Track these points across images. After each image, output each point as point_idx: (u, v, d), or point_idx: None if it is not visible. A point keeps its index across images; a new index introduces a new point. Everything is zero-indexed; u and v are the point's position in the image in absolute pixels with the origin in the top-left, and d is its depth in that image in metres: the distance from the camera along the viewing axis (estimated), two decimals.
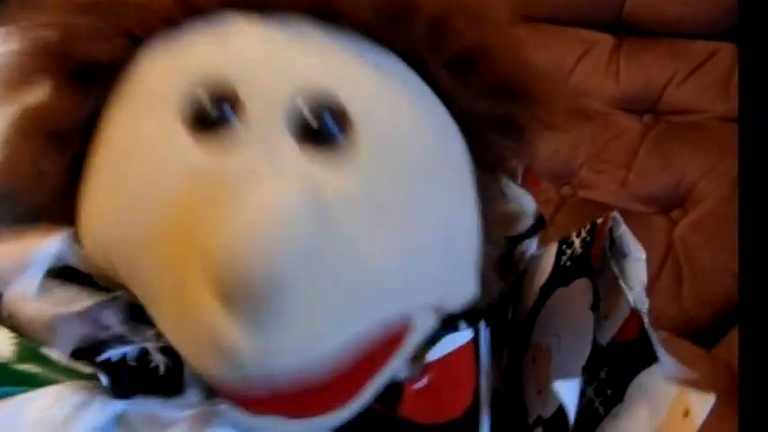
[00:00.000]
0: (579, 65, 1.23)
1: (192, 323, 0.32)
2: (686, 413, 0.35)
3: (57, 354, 0.36)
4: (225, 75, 0.35)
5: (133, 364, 0.34)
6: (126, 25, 0.37)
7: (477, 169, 0.40)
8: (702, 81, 1.12)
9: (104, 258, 0.35)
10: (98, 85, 0.37)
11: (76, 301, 0.33)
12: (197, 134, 0.34)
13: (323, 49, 0.36)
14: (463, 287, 0.39)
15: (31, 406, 0.34)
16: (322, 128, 0.34)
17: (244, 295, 0.29)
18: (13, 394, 0.34)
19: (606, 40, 1.22)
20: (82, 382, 0.35)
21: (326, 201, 0.32)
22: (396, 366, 0.38)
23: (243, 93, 0.34)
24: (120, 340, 0.34)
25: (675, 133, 1.12)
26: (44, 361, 0.36)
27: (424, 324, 0.38)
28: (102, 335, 0.33)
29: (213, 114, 0.34)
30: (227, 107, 0.34)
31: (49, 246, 0.36)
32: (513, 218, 0.47)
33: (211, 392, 0.35)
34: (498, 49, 0.38)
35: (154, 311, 0.34)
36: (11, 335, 0.36)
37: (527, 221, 0.48)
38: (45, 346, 0.36)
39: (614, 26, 1.22)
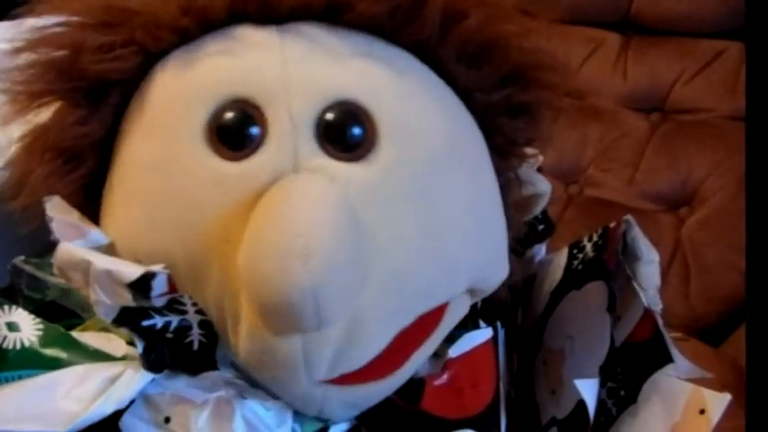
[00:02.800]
0: (587, 63, 1.22)
1: (249, 337, 0.33)
2: (702, 411, 0.35)
3: (85, 337, 0.37)
4: (247, 92, 0.35)
5: (171, 336, 0.35)
6: (138, 41, 0.36)
7: (492, 155, 0.41)
8: (709, 80, 1.12)
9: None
10: (111, 101, 0.38)
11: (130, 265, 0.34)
12: (226, 152, 0.35)
13: (340, 56, 0.36)
14: (496, 269, 0.40)
15: (59, 383, 0.34)
16: (345, 135, 0.35)
17: (287, 321, 0.30)
18: (39, 375, 0.35)
19: (613, 38, 1.22)
20: (109, 363, 0.35)
21: (353, 197, 0.33)
22: (433, 347, 0.39)
23: (267, 111, 0.35)
24: (166, 308, 0.34)
25: (683, 131, 1.12)
26: (70, 345, 0.36)
27: (460, 305, 0.40)
28: (151, 302, 0.33)
29: (240, 133, 0.35)
30: (252, 124, 0.35)
31: (102, 234, 0.37)
32: (530, 201, 0.48)
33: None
34: (509, 40, 0.38)
35: (216, 325, 0.35)
36: (36, 320, 0.37)
37: (543, 203, 0.49)
38: (87, 306, 0.37)
39: (622, 25, 1.22)
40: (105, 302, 0.33)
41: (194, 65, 0.36)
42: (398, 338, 0.36)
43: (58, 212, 0.37)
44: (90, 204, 0.39)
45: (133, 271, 0.33)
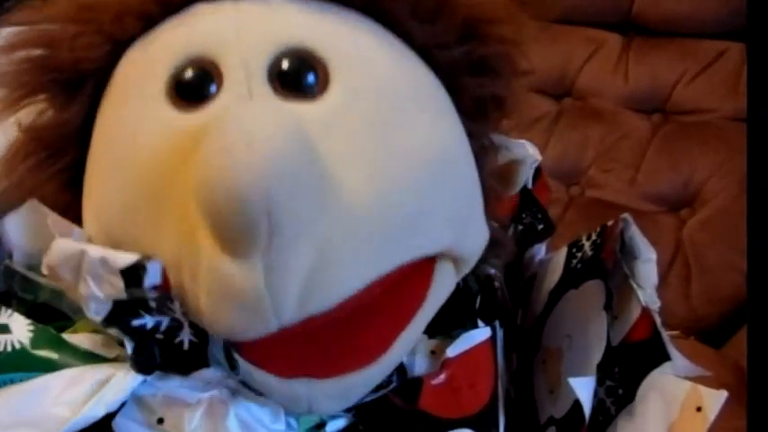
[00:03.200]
0: (588, 64, 1.22)
1: (207, 277, 0.31)
2: (699, 409, 0.35)
3: (76, 338, 0.37)
4: (203, 50, 0.36)
5: (161, 336, 0.34)
6: (106, 29, 0.38)
7: (462, 118, 0.40)
8: (711, 80, 1.12)
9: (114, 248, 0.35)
10: (86, 90, 0.38)
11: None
12: (183, 107, 0.35)
13: (292, 10, 0.37)
14: (472, 229, 0.39)
15: (49, 388, 0.34)
16: (299, 81, 0.35)
17: (240, 226, 0.29)
18: (30, 380, 0.35)
19: (615, 39, 1.22)
20: (100, 365, 0.35)
21: (308, 130, 0.32)
22: (421, 326, 0.38)
23: (222, 63, 0.35)
24: (157, 307, 0.34)
25: (684, 132, 1.12)
26: (62, 346, 0.36)
27: (445, 277, 0.38)
28: (144, 294, 0.33)
29: (194, 86, 0.35)
30: (209, 79, 0.35)
31: (79, 231, 0.37)
32: (509, 170, 0.47)
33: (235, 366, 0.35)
34: None
35: (174, 284, 0.33)
36: (27, 321, 0.37)
37: (525, 172, 0.48)
38: (78, 308, 0.36)
39: (623, 26, 1.22)
40: (97, 296, 0.33)
41: (153, 39, 0.38)
42: (384, 314, 0.35)
43: (41, 212, 0.38)
44: (76, 201, 0.39)
45: (127, 257, 0.33)
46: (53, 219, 0.37)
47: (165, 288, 0.33)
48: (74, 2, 0.39)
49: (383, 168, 0.34)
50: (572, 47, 1.22)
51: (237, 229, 0.29)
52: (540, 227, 0.52)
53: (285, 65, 0.35)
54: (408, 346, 0.38)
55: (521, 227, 0.52)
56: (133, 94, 0.37)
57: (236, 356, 0.35)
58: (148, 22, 0.38)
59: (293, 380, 0.35)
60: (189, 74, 0.36)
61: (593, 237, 0.45)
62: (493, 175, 0.44)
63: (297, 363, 0.35)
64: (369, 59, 0.37)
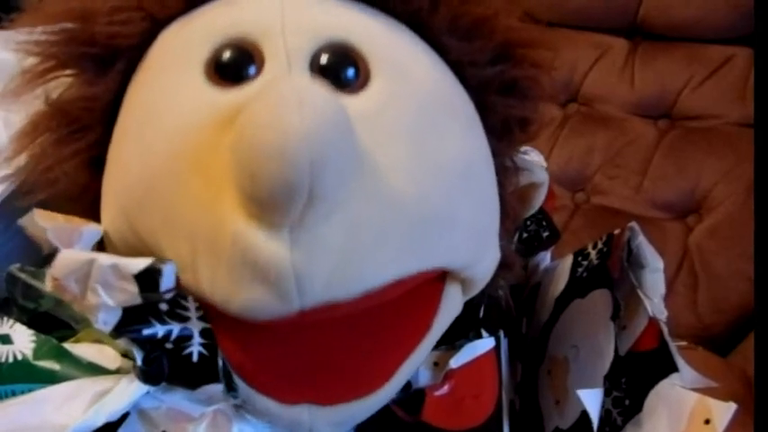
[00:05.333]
0: (593, 69, 1.22)
1: (229, 248, 0.30)
2: (707, 421, 0.35)
3: (79, 349, 0.37)
4: (246, 33, 0.36)
5: (170, 347, 0.34)
6: (146, 6, 0.37)
7: (488, 135, 0.40)
8: (718, 86, 1.11)
9: (130, 228, 0.35)
10: (118, 67, 0.38)
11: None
12: (221, 85, 0.35)
13: (337, 7, 0.37)
14: (486, 250, 0.39)
15: (49, 399, 0.34)
16: (339, 75, 0.35)
17: (278, 188, 0.28)
18: (32, 391, 0.34)
19: (621, 44, 1.22)
20: (101, 377, 0.35)
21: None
22: (425, 353, 0.37)
23: (264, 47, 0.35)
24: (168, 311, 0.33)
25: (691, 138, 1.11)
26: (64, 357, 0.36)
27: (452, 303, 0.38)
28: (159, 297, 0.32)
29: (235, 67, 0.35)
30: (247, 60, 0.35)
31: (94, 226, 0.37)
32: (528, 191, 0.47)
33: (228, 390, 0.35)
34: (497, 16, 0.39)
35: (189, 259, 0.33)
36: (30, 332, 0.36)
37: (543, 194, 0.48)
38: (80, 317, 0.36)
39: (629, 30, 1.21)
40: (107, 305, 0.32)
41: (194, 18, 0.37)
42: (386, 345, 0.35)
43: (46, 221, 0.37)
44: (96, 181, 0.38)
45: (140, 262, 0.32)
46: (54, 228, 0.36)
47: (178, 288, 0.33)
48: None
49: (418, 168, 0.34)
50: (578, 52, 1.22)
51: (275, 190, 0.28)
52: (545, 234, 0.52)
53: (327, 56, 0.35)
54: (410, 372, 0.37)
55: (525, 234, 0.52)
56: (168, 71, 0.36)
57: (237, 381, 0.34)
58: (190, 2, 0.38)
59: (296, 406, 0.35)
60: (229, 53, 0.35)
61: (599, 245, 0.45)
62: (513, 196, 0.44)
63: (299, 388, 0.35)
64: (408, 64, 0.37)
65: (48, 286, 0.35)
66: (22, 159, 0.39)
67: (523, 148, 0.48)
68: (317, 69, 0.35)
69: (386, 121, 0.34)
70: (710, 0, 1.10)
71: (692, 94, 1.14)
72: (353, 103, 0.34)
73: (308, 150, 0.27)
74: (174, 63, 0.36)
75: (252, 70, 0.35)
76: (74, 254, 0.34)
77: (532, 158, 0.48)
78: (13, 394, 0.35)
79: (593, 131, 1.18)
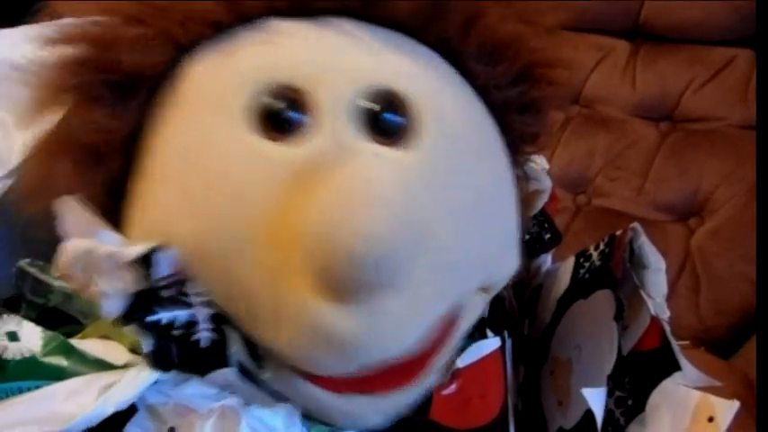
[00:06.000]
0: (595, 71, 1.22)
1: (297, 320, 0.32)
2: (710, 419, 0.35)
3: (86, 344, 0.37)
4: (290, 78, 0.35)
5: (178, 333, 0.34)
6: (172, 33, 0.36)
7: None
8: (720, 88, 1.11)
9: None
10: (140, 97, 0.37)
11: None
12: (271, 137, 0.34)
13: (375, 46, 0.37)
14: (509, 259, 0.40)
15: (56, 394, 0.34)
16: (386, 119, 0.35)
17: (355, 282, 0.30)
18: (39, 388, 0.34)
19: (623, 46, 1.22)
20: (108, 372, 0.35)
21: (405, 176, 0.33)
22: (456, 345, 0.39)
23: (307, 95, 0.35)
24: (172, 300, 0.33)
25: (692, 140, 1.11)
26: (71, 353, 0.36)
27: (475, 303, 0.39)
28: (158, 283, 0.33)
29: (285, 116, 0.34)
30: (296, 109, 0.35)
31: (111, 233, 0.36)
32: (533, 197, 0.48)
33: (258, 366, 0.36)
34: (521, 38, 0.39)
35: (245, 314, 0.34)
36: (37, 328, 0.36)
37: (545, 198, 0.49)
38: (88, 312, 0.36)
39: (631, 32, 1.21)
40: (108, 293, 0.33)
41: (230, 53, 0.36)
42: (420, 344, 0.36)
43: (71, 212, 0.36)
44: (112, 209, 0.38)
45: (135, 249, 0.32)
46: (69, 220, 0.35)
47: (178, 275, 0.33)
48: (137, 0, 0.37)
49: (462, 217, 0.35)
50: (579, 53, 1.21)
51: (351, 283, 0.30)
52: (547, 236, 0.52)
53: (373, 104, 0.35)
54: (440, 366, 0.38)
55: (527, 236, 0.52)
56: (206, 110, 0.35)
57: (297, 379, 0.35)
58: (218, 29, 0.37)
59: (344, 395, 0.36)
60: (274, 101, 0.34)
61: (602, 246, 0.45)
62: (522, 202, 0.44)
63: (344, 381, 0.35)
64: (448, 107, 0.37)
65: (57, 274, 0.35)
66: (34, 186, 0.38)
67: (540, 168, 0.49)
68: (363, 117, 0.35)
69: (438, 175, 0.35)
70: (712, 2, 1.10)
71: (693, 95, 1.14)
72: (403, 159, 0.34)
73: (383, 247, 0.29)
74: (210, 104, 0.35)
75: (297, 118, 0.34)
76: (76, 242, 0.34)
77: (535, 161, 0.49)
78: (20, 391, 0.34)
79: (594, 133, 1.18)
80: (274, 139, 0.34)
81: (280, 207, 0.32)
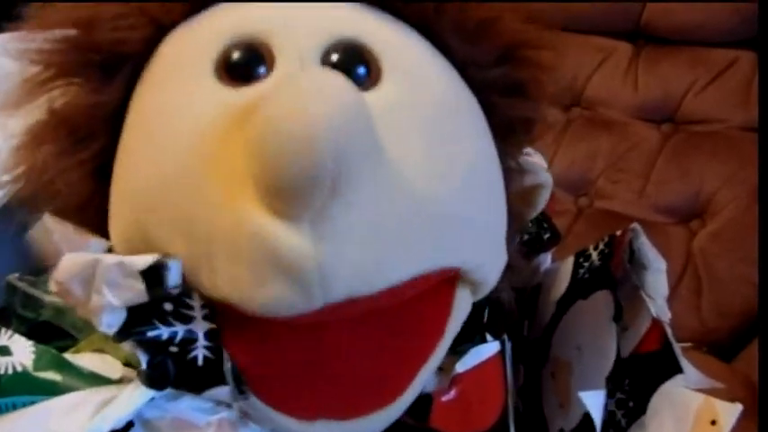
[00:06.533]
0: (597, 73, 1.22)
1: (250, 245, 0.30)
2: (713, 422, 0.35)
3: (80, 359, 0.36)
4: (254, 33, 0.35)
5: (175, 350, 0.33)
6: (150, 11, 0.37)
7: (492, 136, 0.40)
8: (721, 90, 1.11)
9: (141, 234, 0.34)
10: (124, 74, 0.37)
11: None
12: (233, 85, 0.34)
13: (345, 8, 0.37)
14: (494, 253, 0.39)
15: (52, 411, 0.33)
16: (351, 73, 0.34)
17: (302, 176, 0.27)
18: (33, 403, 0.34)
19: (624, 48, 1.22)
20: (104, 387, 0.34)
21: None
22: (439, 359, 0.37)
23: (274, 47, 0.35)
24: (174, 311, 0.33)
25: (694, 143, 1.11)
26: (65, 368, 0.35)
27: (463, 306, 0.38)
28: (166, 293, 0.32)
29: (245, 67, 0.34)
30: (257, 60, 0.35)
31: (101, 240, 0.36)
32: (532, 193, 0.47)
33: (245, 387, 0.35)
34: (502, 17, 0.39)
35: (205, 264, 0.32)
36: (29, 343, 0.36)
37: (546, 195, 0.48)
38: (81, 326, 0.36)
39: (632, 34, 1.21)
40: (112, 305, 0.32)
41: (201, 22, 0.37)
42: (402, 355, 0.35)
43: (56, 228, 0.36)
44: (100, 192, 0.38)
45: (146, 259, 0.32)
46: (62, 233, 0.36)
47: (184, 285, 0.32)
48: None
49: (433, 166, 0.33)
50: (581, 55, 1.21)
51: (298, 179, 0.27)
52: (546, 236, 0.52)
53: (337, 55, 0.35)
54: (425, 379, 0.37)
55: (526, 236, 0.52)
56: (176, 74, 0.36)
57: (249, 393, 0.34)
58: (194, 6, 0.38)
59: (313, 422, 0.35)
60: (239, 54, 0.35)
61: (601, 246, 0.44)
62: (517, 197, 0.43)
63: (316, 404, 0.35)
64: (418, 64, 0.37)
65: (51, 288, 0.34)
66: (22, 172, 0.39)
67: (526, 150, 0.48)
68: (327, 67, 0.35)
69: (399, 118, 0.34)
70: (714, 3, 1.10)
71: (695, 97, 1.13)
72: (367, 99, 0.33)
73: (333, 139, 0.27)
74: (182, 66, 0.36)
75: (262, 69, 0.34)
76: (78, 256, 0.33)
77: (535, 160, 0.48)
78: (14, 407, 0.34)
79: (596, 135, 1.18)
80: (236, 87, 0.34)
81: (232, 140, 0.31)
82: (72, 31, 0.37)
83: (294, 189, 0.28)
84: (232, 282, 0.31)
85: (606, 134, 1.17)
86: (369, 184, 0.30)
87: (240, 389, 0.34)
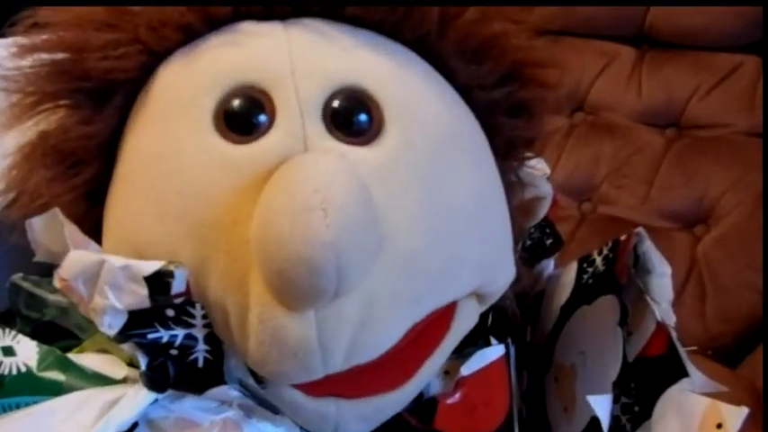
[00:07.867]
0: (601, 78, 1.21)
1: (257, 326, 0.31)
2: (719, 425, 0.35)
3: (83, 359, 0.36)
4: (254, 79, 0.35)
5: (175, 352, 0.34)
6: (143, 39, 0.36)
7: (494, 156, 0.40)
8: (726, 94, 1.11)
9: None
10: (116, 102, 0.37)
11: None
12: (234, 138, 0.34)
13: (345, 46, 0.36)
14: (502, 268, 0.39)
15: (57, 411, 0.34)
16: (352, 121, 0.35)
17: (306, 289, 0.29)
18: (37, 403, 0.34)
19: (628, 52, 1.21)
20: (108, 387, 0.35)
21: (363, 176, 0.32)
22: (445, 355, 0.38)
23: (274, 95, 0.34)
24: (175, 317, 0.33)
25: (698, 148, 1.11)
26: (69, 368, 0.35)
27: (470, 309, 0.39)
28: (169, 301, 0.33)
29: (247, 118, 0.34)
30: (259, 111, 0.34)
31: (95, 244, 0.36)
32: (532, 205, 0.48)
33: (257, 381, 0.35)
34: (507, 37, 0.39)
35: (219, 324, 0.34)
36: (33, 343, 0.36)
37: (547, 205, 0.48)
38: (85, 326, 0.37)
39: (636, 38, 1.21)
40: (114, 307, 0.32)
41: (199, 57, 0.36)
42: (409, 344, 0.35)
43: (66, 222, 0.37)
44: (93, 213, 0.38)
45: (152, 264, 0.32)
46: (70, 230, 0.36)
47: (187, 294, 0.33)
48: (109, 7, 0.37)
49: (427, 218, 0.34)
50: (584, 60, 1.21)
51: (302, 291, 0.29)
52: (549, 242, 0.52)
53: (340, 103, 0.35)
54: (432, 371, 0.38)
55: (529, 242, 0.52)
56: (175, 115, 0.36)
57: (282, 385, 0.35)
58: (189, 34, 0.37)
59: (322, 398, 0.35)
60: (239, 103, 0.35)
61: (605, 251, 0.45)
62: (518, 210, 0.44)
63: (326, 382, 0.35)
64: (421, 104, 0.37)
65: (55, 283, 0.35)
66: (14, 197, 0.39)
67: (539, 174, 0.48)
68: (329, 116, 0.35)
69: (398, 174, 0.34)
70: (718, 8, 1.10)
71: (699, 102, 1.13)
72: (368, 158, 0.34)
73: (335, 258, 0.29)
74: (180, 108, 0.36)
75: (263, 117, 0.34)
76: (84, 254, 0.34)
77: (537, 167, 0.48)
78: (18, 407, 0.34)
79: (599, 140, 1.18)
80: (237, 142, 0.34)
81: (240, 211, 0.32)
82: (62, 56, 0.37)
83: (299, 299, 0.30)
84: (243, 350, 0.33)
85: (610, 139, 1.17)
86: (368, 268, 0.31)
87: (257, 377, 0.35)
